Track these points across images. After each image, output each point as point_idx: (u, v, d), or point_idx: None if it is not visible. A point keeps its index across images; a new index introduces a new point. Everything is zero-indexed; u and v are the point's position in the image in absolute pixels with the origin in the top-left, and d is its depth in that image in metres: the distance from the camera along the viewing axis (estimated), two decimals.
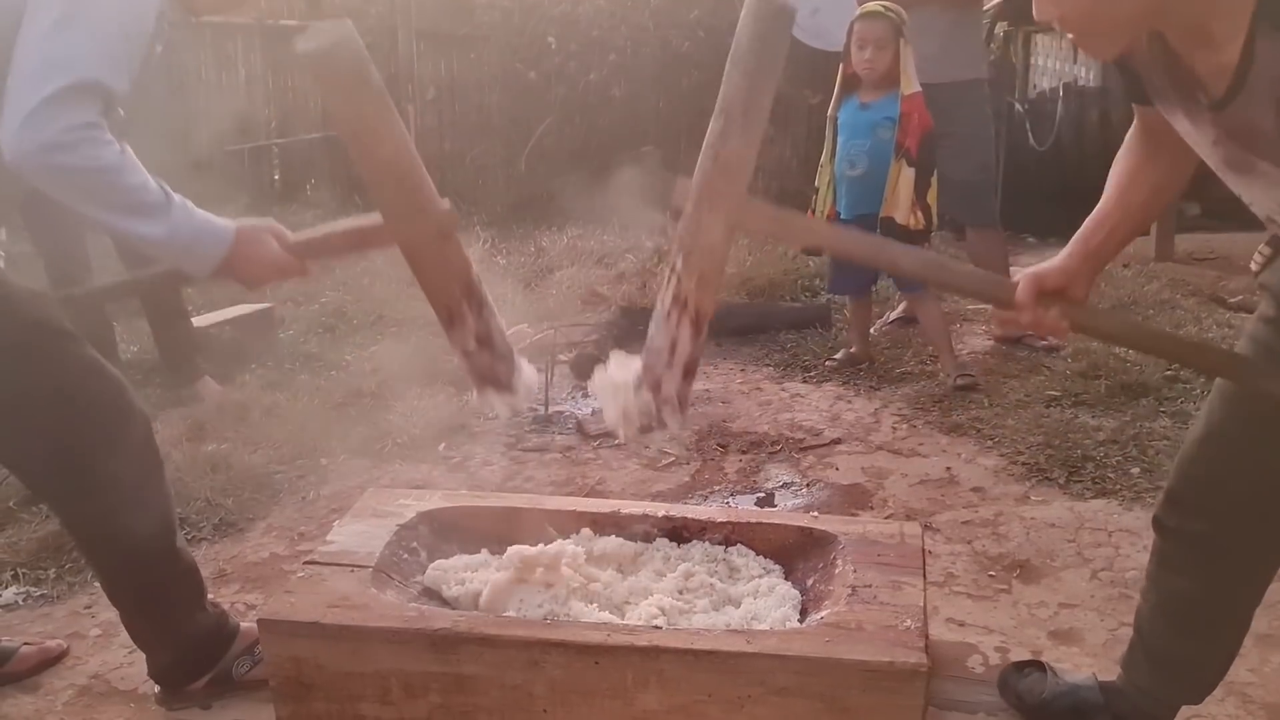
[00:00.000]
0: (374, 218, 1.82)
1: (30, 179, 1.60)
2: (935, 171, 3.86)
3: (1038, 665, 2.11)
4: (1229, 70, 1.29)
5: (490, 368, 1.89)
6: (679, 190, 1.68)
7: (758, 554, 2.21)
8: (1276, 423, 1.53)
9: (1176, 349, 1.89)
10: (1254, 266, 1.74)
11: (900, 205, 3.81)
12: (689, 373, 1.71)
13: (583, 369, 4.23)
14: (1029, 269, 1.67)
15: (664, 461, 3.44)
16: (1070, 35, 1.37)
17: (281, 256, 1.82)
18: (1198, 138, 1.45)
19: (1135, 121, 1.66)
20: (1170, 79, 1.42)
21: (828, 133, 4.03)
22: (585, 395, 4.11)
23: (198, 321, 4.27)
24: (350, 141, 1.74)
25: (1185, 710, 1.99)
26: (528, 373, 1.96)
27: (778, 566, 2.18)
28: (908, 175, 3.79)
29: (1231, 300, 4.83)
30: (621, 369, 1.77)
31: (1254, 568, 1.80)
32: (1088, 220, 1.69)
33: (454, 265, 1.84)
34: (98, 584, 2.17)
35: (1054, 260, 1.67)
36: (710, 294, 1.70)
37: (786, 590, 2.07)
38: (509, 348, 1.92)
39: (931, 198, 3.86)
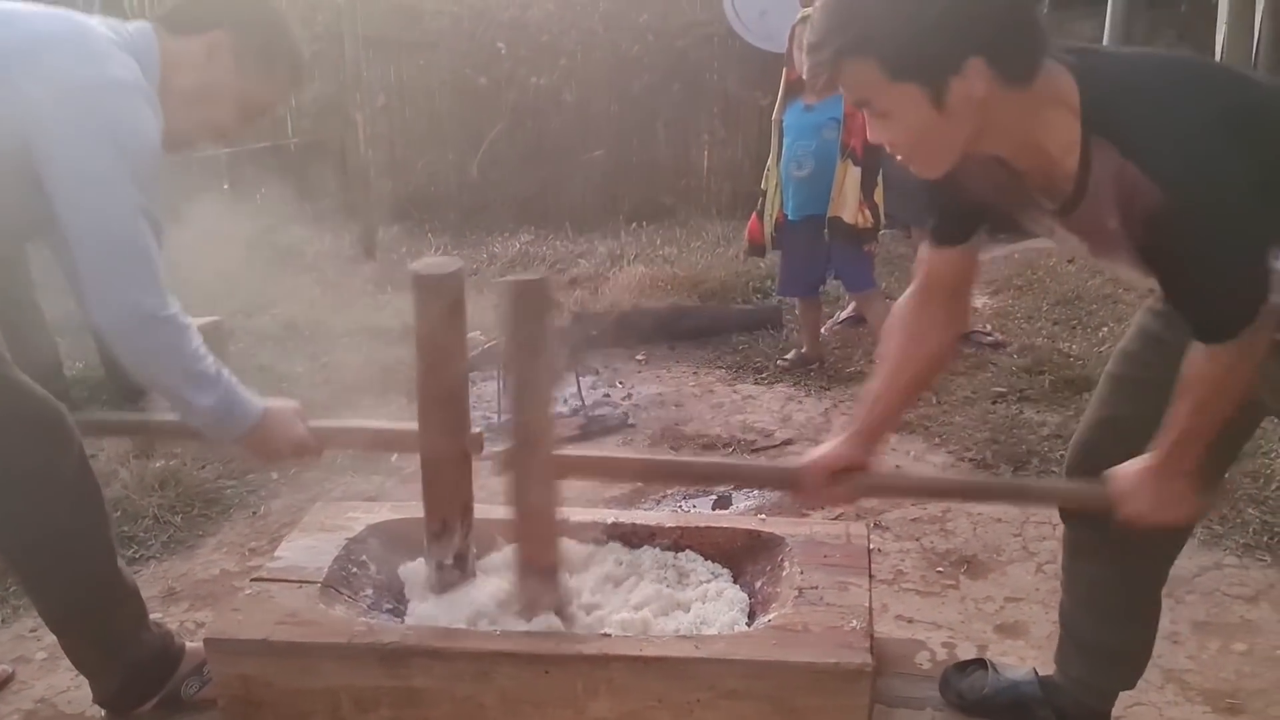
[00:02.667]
0: (406, 426, 1.98)
1: (116, 344, 1.69)
2: (881, 170, 3.91)
3: (980, 663, 2.15)
4: (1070, 178, 1.40)
5: (453, 584, 2.05)
6: (495, 460, 1.94)
7: (706, 558, 2.22)
8: (1162, 404, 1.58)
9: (965, 489, 2.18)
10: None
11: (847, 204, 3.86)
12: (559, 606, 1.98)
13: None
14: (811, 455, 1.83)
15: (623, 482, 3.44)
16: (900, 157, 1.47)
17: (302, 439, 1.92)
18: (1064, 237, 1.55)
19: (915, 281, 1.77)
20: (1017, 195, 1.52)
21: (774, 136, 4.07)
22: None
23: None
24: (425, 359, 1.92)
25: (1127, 699, 2.04)
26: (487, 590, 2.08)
27: (726, 570, 2.20)
28: (854, 175, 3.84)
29: None
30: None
31: (1155, 546, 1.83)
32: (862, 405, 1.84)
33: (463, 487, 2.03)
34: (38, 612, 2.14)
35: (836, 445, 1.82)
36: (550, 546, 1.99)
37: (735, 594, 2.09)
38: (474, 570, 2.09)
39: (878, 196, 3.92)
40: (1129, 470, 1.64)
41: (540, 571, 1.97)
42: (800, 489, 1.84)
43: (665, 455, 2.26)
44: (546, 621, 1.95)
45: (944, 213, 1.68)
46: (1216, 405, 1.49)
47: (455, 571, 2.05)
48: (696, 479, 2.21)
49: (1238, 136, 1.32)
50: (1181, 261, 1.36)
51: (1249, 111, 1.39)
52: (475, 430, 2.02)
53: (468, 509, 2.05)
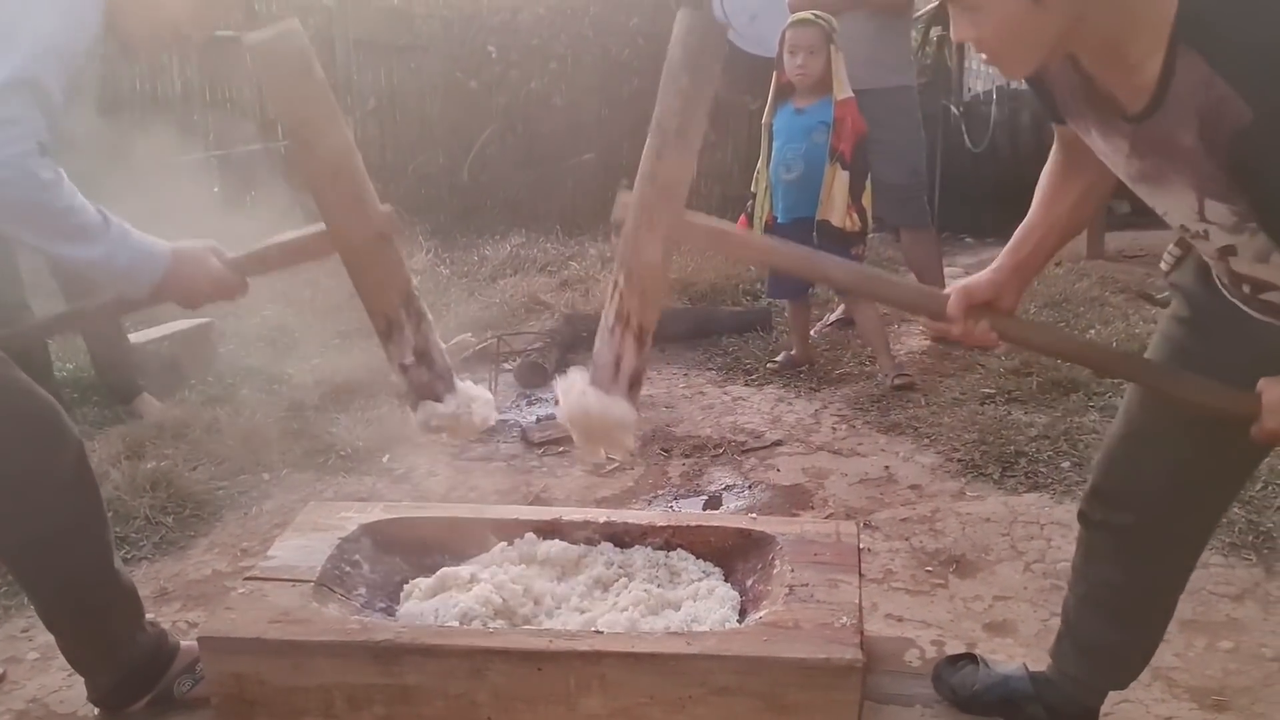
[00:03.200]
0: (314, 227, 1.82)
1: None
2: (869, 174, 3.94)
3: (970, 658, 2.16)
4: (1146, 88, 1.34)
5: (428, 384, 1.89)
6: (619, 206, 1.71)
7: (698, 557, 2.24)
8: (1192, 416, 1.59)
9: (1100, 358, 1.93)
10: (1164, 267, 1.81)
11: (835, 208, 3.88)
12: (635, 385, 1.75)
13: (527, 377, 4.25)
14: (959, 282, 1.72)
15: (608, 467, 3.46)
16: (984, 55, 1.41)
17: (221, 274, 1.82)
18: (1111, 153, 1.50)
19: (1056, 139, 1.71)
20: (1085, 97, 1.47)
21: (763, 139, 4.09)
22: (530, 403, 4.13)
23: (136, 338, 4.21)
24: (293, 135, 1.74)
25: (1114, 696, 2.05)
26: (479, 400, 1.96)
27: (718, 569, 2.21)
28: (842, 178, 3.86)
29: (1159, 296, 4.96)
30: (576, 384, 1.78)
31: (1176, 557, 1.87)
32: (1016, 233, 1.74)
33: (393, 273, 1.85)
34: (34, 610, 2.14)
35: (983, 273, 1.72)
36: (652, 309, 1.75)
37: (726, 592, 2.11)
38: (447, 366, 1.93)
39: (866, 200, 3.94)
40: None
41: (635, 332, 1.74)
42: (943, 316, 1.70)
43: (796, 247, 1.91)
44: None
45: (1048, 100, 1.60)
46: None
47: (422, 370, 1.88)
48: (829, 279, 1.95)
49: None
50: (1270, 181, 1.29)
51: None
52: (385, 207, 1.83)
53: (409, 298, 1.86)
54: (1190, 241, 1.58)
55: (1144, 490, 1.80)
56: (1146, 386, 1.76)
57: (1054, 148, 1.73)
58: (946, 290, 1.70)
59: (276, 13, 7.44)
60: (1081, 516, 1.94)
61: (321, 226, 1.82)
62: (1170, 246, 1.77)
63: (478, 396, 1.95)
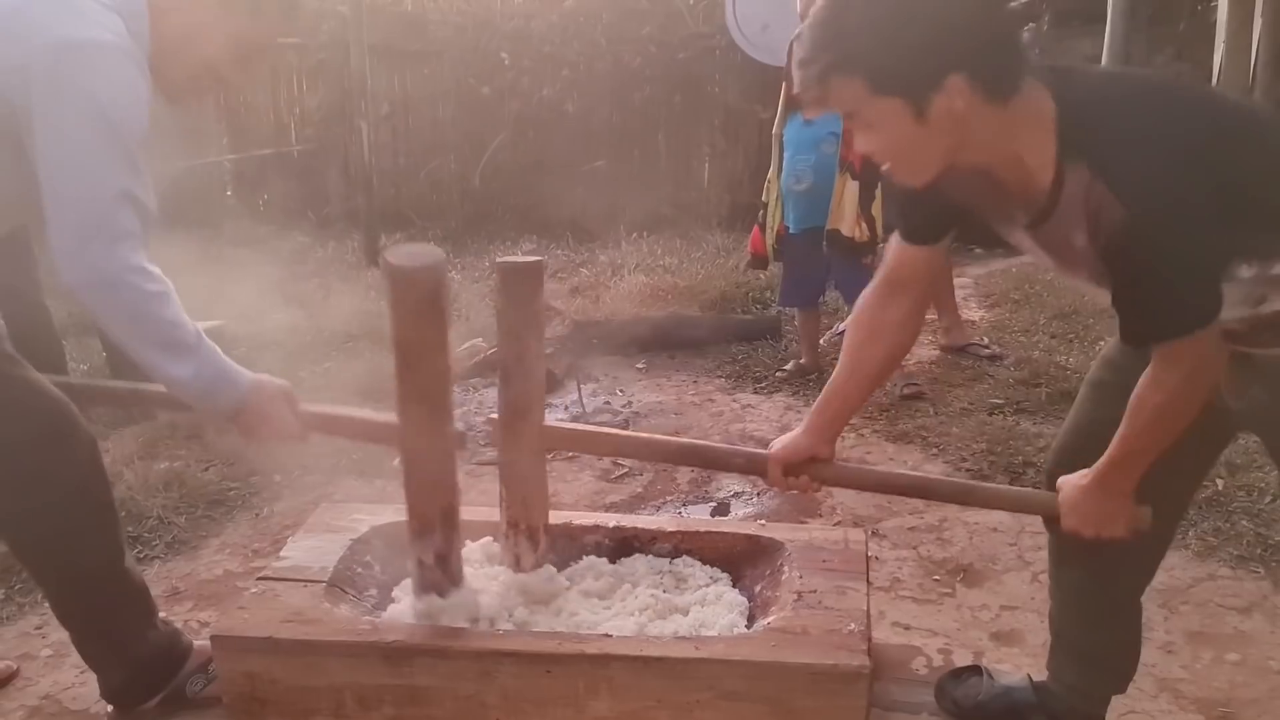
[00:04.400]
0: (390, 418, 1.92)
1: (86, 303, 1.65)
2: (879, 184, 3.95)
3: (975, 670, 2.17)
4: (1043, 193, 1.46)
5: (437, 583, 1.98)
6: (490, 430, 2.03)
7: (705, 563, 2.25)
8: None
9: (913, 486, 2.12)
10: None
11: (845, 218, 3.89)
12: (541, 561, 2.13)
13: None
14: (774, 448, 1.92)
15: (617, 473, 3.47)
16: (885, 167, 1.52)
17: (288, 422, 1.89)
18: (1032, 249, 1.61)
19: (880, 275, 1.82)
20: (991, 202, 1.57)
21: (774, 150, 4.11)
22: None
23: None
24: (402, 355, 1.84)
25: (1122, 707, 2.07)
26: (487, 595, 2.06)
27: (725, 575, 2.22)
28: (852, 189, 3.88)
29: None
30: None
31: (1141, 550, 1.86)
32: (821, 396, 1.90)
33: (445, 484, 1.96)
34: (47, 605, 2.16)
35: (795, 435, 1.92)
36: (538, 510, 2.11)
37: (734, 597, 2.12)
38: (460, 571, 2.03)
39: (876, 210, 3.95)
40: (1072, 481, 1.70)
41: (526, 534, 2.09)
42: (763, 476, 1.94)
43: (643, 435, 2.37)
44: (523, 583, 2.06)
45: (918, 212, 1.73)
46: (1160, 430, 1.54)
47: (436, 571, 1.98)
48: (671, 457, 2.29)
49: (1204, 157, 1.38)
50: (1133, 274, 1.42)
51: (1218, 133, 1.44)
52: (458, 427, 1.97)
53: (450, 510, 1.98)
54: None
55: None
56: (958, 503, 2.16)
57: (868, 294, 1.84)
58: (765, 452, 1.94)
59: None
60: (1045, 520, 1.96)
61: (395, 423, 1.92)
62: None
63: (486, 588, 2.08)
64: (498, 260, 1.97)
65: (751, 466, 2.02)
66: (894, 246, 1.80)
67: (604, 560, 2.26)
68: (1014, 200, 1.52)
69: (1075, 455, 1.81)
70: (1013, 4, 5.86)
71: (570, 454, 3.60)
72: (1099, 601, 1.93)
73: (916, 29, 1.36)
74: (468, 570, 2.08)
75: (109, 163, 1.62)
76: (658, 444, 2.28)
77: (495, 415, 2.07)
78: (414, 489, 1.96)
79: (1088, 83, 1.48)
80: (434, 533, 1.96)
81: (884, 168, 1.53)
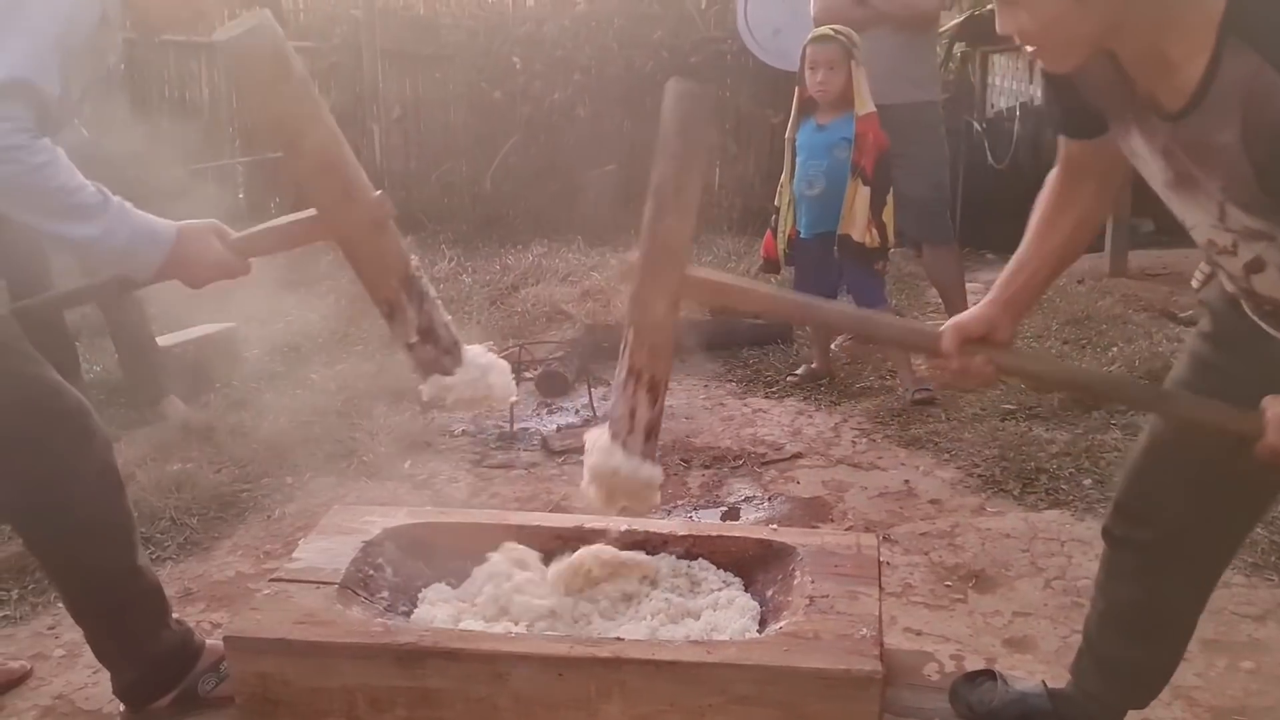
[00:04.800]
0: (310, 213, 1.84)
1: None
2: (891, 190, 3.95)
3: (989, 675, 2.16)
4: (1187, 85, 1.35)
5: (435, 360, 1.91)
6: (624, 267, 1.80)
7: (719, 567, 2.25)
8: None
9: (1097, 385, 1.98)
10: (1195, 284, 1.83)
11: (857, 223, 3.89)
12: (650, 436, 1.83)
13: (547, 386, 4.27)
14: (952, 319, 1.74)
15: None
16: (1029, 48, 1.43)
17: (224, 255, 1.84)
18: (1148, 155, 1.51)
19: (1059, 161, 1.73)
20: (1124, 96, 1.48)
21: (786, 154, 4.11)
22: (550, 412, 4.15)
23: (162, 341, 4.26)
24: (275, 132, 1.75)
25: (1134, 715, 2.05)
26: (494, 369, 1.98)
27: (738, 579, 2.22)
28: (864, 194, 3.88)
29: (1182, 315, 4.95)
30: (602, 442, 1.86)
31: (1197, 575, 1.86)
32: (1007, 267, 1.75)
33: (390, 257, 1.87)
34: (61, 604, 2.17)
35: (976, 308, 1.74)
36: (663, 363, 1.85)
37: (746, 602, 2.11)
38: (454, 341, 1.94)
39: (887, 215, 3.95)
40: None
41: (648, 386, 1.82)
42: (938, 352, 1.72)
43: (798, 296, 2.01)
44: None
45: (1064, 108, 1.63)
46: None
47: (428, 347, 1.89)
48: (828, 323, 2.04)
49: None
50: None
51: None
52: (378, 195, 1.85)
53: (408, 279, 1.88)
54: (1216, 262, 1.59)
55: (1166, 507, 1.79)
56: (1146, 410, 1.75)
57: (1054, 173, 1.74)
58: (941, 327, 1.73)
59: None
60: (1105, 533, 1.94)
61: (315, 213, 1.83)
62: (1201, 264, 1.79)
63: (492, 366, 1.96)
64: (669, 83, 1.75)
65: (923, 342, 1.79)
66: (1061, 143, 1.70)
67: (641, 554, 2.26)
68: (1145, 93, 1.42)
69: (1153, 482, 1.79)
70: None
71: (581, 457, 3.59)
72: (1149, 620, 1.89)
73: None
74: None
75: (22, 49, 1.59)
76: (813, 307, 2.04)
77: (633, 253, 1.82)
78: (363, 272, 1.87)
79: None
80: (404, 308, 1.87)
81: (1029, 50, 1.43)
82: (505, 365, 2.01)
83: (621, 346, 1.83)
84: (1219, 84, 1.33)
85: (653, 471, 1.84)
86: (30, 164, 1.61)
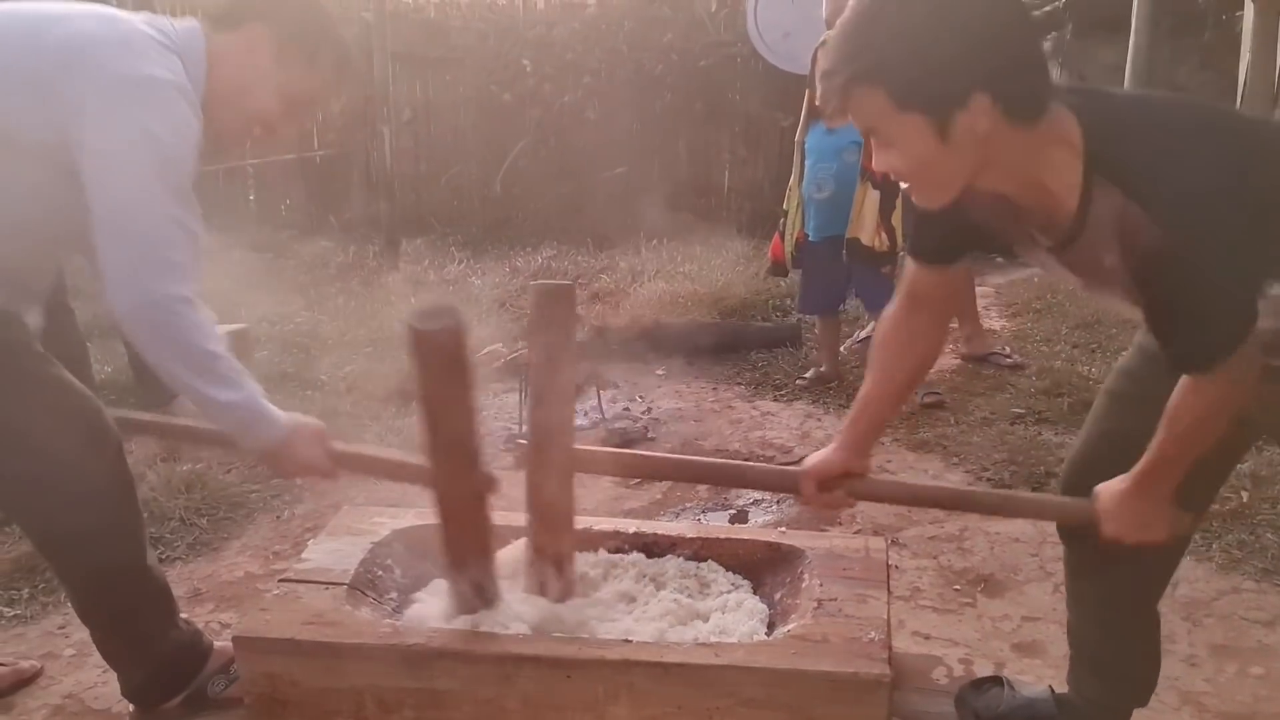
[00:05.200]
0: (421, 460, 1.95)
1: (130, 332, 1.70)
2: (900, 194, 3.94)
3: (996, 681, 2.16)
4: (1068, 216, 1.45)
5: (470, 604, 2.02)
6: (517, 454, 2.02)
7: (727, 570, 2.25)
8: (1150, 420, 1.60)
9: (946, 499, 2.14)
10: None
11: (865, 227, 3.89)
12: (568, 589, 2.08)
13: None
14: (807, 463, 1.90)
15: (636, 480, 3.47)
16: (905, 185, 1.52)
17: (321, 461, 1.93)
18: (1056, 270, 1.61)
19: (899, 296, 1.83)
20: (1014, 225, 1.57)
21: (796, 157, 4.11)
22: None
23: None
24: (427, 410, 1.88)
25: (1142, 718, 2.05)
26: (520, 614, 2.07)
27: (746, 582, 2.22)
28: (873, 198, 3.88)
29: None
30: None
31: (1151, 563, 1.84)
32: (852, 410, 1.90)
33: (478, 528, 2.00)
34: (71, 604, 2.18)
35: (828, 451, 1.90)
36: (565, 539, 2.07)
37: (754, 605, 2.11)
38: (497, 593, 2.05)
39: (896, 219, 3.94)
40: (1111, 489, 1.68)
41: (552, 560, 2.06)
42: (797, 494, 1.93)
43: (675, 455, 2.37)
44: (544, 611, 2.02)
45: (933, 234, 1.73)
46: (1198, 436, 1.53)
47: (475, 597, 2.02)
48: (703, 478, 2.29)
49: (1235, 177, 1.37)
50: (1172, 295, 1.41)
51: (1250, 154, 1.44)
52: (487, 471, 1.99)
53: (484, 549, 2.02)
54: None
55: None
56: (994, 514, 2.17)
57: (891, 312, 1.85)
58: (797, 469, 1.92)
59: None
60: (1060, 532, 1.96)
61: (426, 466, 1.95)
62: None
63: (517, 618, 2.05)
64: (531, 284, 1.98)
65: (784, 484, 2.02)
66: (910, 265, 1.80)
67: (642, 556, 2.29)
68: (1036, 223, 1.52)
69: (1093, 466, 1.80)
70: (1036, 14, 5.84)
71: None
72: (1115, 612, 1.92)
73: (945, 44, 1.35)
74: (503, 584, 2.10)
75: (161, 193, 1.67)
76: (687, 464, 2.30)
77: (521, 440, 2.07)
78: (449, 530, 2.00)
79: (1113, 105, 1.48)
80: (469, 569, 2.01)
81: (903, 187, 1.53)
82: (532, 611, 2.10)
83: (527, 524, 2.07)
84: (1093, 218, 1.42)
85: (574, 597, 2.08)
86: (194, 320, 1.71)
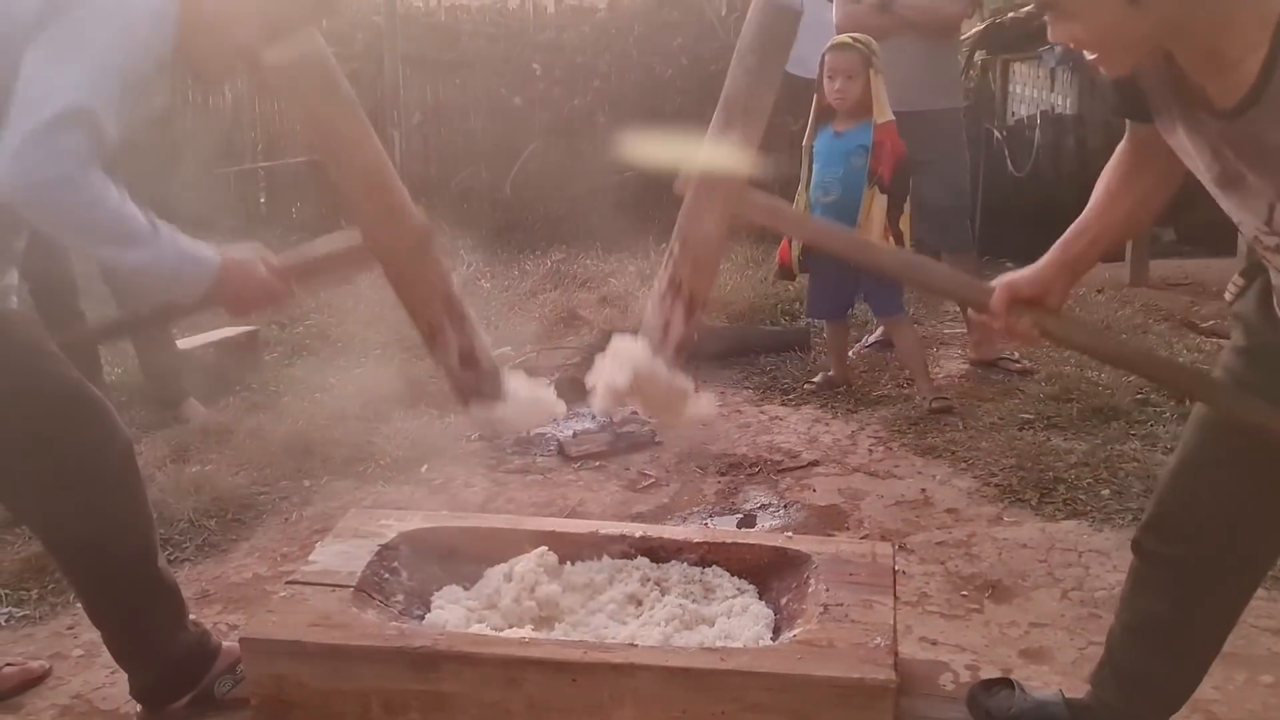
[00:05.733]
0: (353, 235, 1.86)
1: (20, 209, 1.63)
2: (908, 198, 3.94)
3: (1007, 683, 2.15)
4: (1243, 84, 1.35)
5: (475, 385, 1.93)
6: (681, 178, 1.77)
7: (733, 574, 2.25)
8: (1250, 448, 1.58)
9: (1147, 365, 1.91)
10: (1228, 296, 1.79)
11: (873, 231, 3.88)
12: (680, 352, 1.83)
13: (565, 392, 4.27)
14: (1005, 276, 1.72)
15: (643, 483, 3.48)
16: (1087, 53, 1.43)
17: (268, 281, 1.86)
18: (1194, 152, 1.51)
19: (1126, 137, 1.71)
20: (1175, 93, 1.48)
21: (804, 161, 4.11)
22: (567, 417, 4.15)
23: (182, 344, 4.29)
24: (324, 151, 1.78)
25: None
26: (536, 396, 2.01)
27: (752, 586, 2.22)
28: (880, 202, 3.87)
29: (1203, 325, 4.92)
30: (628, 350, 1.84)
31: (1229, 593, 1.84)
32: (1068, 230, 1.73)
33: (433, 279, 1.89)
34: (80, 604, 2.19)
35: (1030, 268, 1.71)
36: (705, 279, 1.83)
37: (760, 609, 2.11)
38: (494, 365, 1.96)
39: (904, 224, 3.94)
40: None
41: (685, 300, 1.84)
42: (986, 308, 1.71)
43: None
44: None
45: (1132, 93, 1.60)
46: None
47: (469, 373, 1.92)
48: (876, 266, 1.97)
49: None
50: None
51: None
52: (422, 217, 1.88)
53: (451, 302, 1.90)
54: (1263, 257, 1.58)
55: (1199, 523, 1.77)
56: (1193, 398, 1.73)
57: (1122, 147, 1.72)
58: (992, 283, 1.71)
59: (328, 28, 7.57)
60: (1135, 545, 1.91)
61: (359, 236, 1.86)
62: (1235, 276, 1.75)
63: (534, 396, 1.99)
64: None
65: (972, 295, 1.76)
66: (1129, 128, 1.68)
67: (647, 560, 2.28)
68: (1200, 91, 1.42)
69: (1189, 499, 1.77)
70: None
71: (597, 464, 3.62)
72: (1176, 635, 1.86)
73: None
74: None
75: (88, 76, 1.61)
76: (860, 245, 2.01)
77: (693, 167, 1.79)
78: (406, 293, 1.88)
79: None
80: (445, 330, 1.89)
81: (1088, 57, 1.43)
82: (546, 393, 2.03)
83: (665, 258, 1.81)
84: (1275, 84, 1.33)
85: (686, 383, 1.83)
86: (88, 195, 1.63)
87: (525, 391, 2.00)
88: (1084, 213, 1.74)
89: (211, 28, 1.81)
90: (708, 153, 1.74)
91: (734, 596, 2.17)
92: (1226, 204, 1.53)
